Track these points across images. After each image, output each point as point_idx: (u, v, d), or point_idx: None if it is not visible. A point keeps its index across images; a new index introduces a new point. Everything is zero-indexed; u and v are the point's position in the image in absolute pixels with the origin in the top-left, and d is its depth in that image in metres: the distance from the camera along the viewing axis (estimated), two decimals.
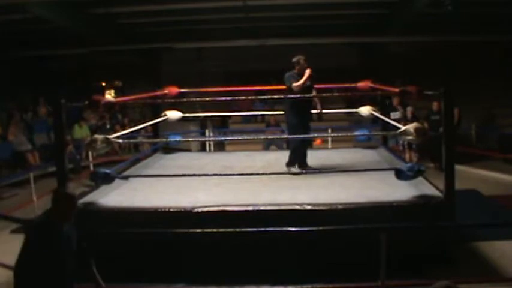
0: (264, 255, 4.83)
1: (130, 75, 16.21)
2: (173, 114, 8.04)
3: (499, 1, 11.30)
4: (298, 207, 5.03)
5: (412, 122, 8.04)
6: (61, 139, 5.35)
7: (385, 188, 5.53)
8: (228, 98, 10.85)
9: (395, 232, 4.67)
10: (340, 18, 13.56)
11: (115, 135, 6.18)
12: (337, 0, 11.88)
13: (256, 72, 13.95)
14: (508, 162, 10.72)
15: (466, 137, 12.52)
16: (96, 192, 5.79)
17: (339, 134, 11.66)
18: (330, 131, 11.55)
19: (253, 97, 11.52)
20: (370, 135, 12.31)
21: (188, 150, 11.45)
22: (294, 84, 6.24)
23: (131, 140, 9.80)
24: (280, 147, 10.88)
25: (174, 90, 8.18)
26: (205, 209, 5.06)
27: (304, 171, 6.50)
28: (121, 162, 8.59)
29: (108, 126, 13.61)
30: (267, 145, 11.73)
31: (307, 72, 6.32)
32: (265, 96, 9.77)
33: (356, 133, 11.29)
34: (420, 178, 5.57)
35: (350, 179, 6.01)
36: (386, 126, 8.14)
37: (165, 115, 7.92)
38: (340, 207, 5.03)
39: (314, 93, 6.62)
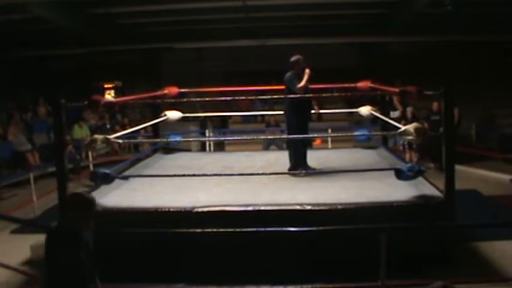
0: (264, 255, 4.83)
1: (131, 75, 16.21)
2: (173, 115, 8.04)
3: (499, 1, 11.30)
4: (298, 207, 5.03)
5: (412, 122, 8.04)
6: (61, 139, 5.35)
7: (385, 188, 5.53)
8: (228, 98, 10.86)
9: (395, 232, 4.67)
10: (340, 18, 13.56)
11: (115, 135, 6.18)
12: (337, 0, 11.88)
13: (256, 72, 13.97)
14: (508, 162, 10.72)
15: (466, 137, 12.52)
16: (96, 192, 5.78)
17: (339, 134, 11.66)
18: (330, 131, 11.56)
19: (253, 97, 11.52)
20: (370, 135, 12.30)
21: (188, 150, 11.45)
22: (298, 86, 6.23)
23: (131, 140, 9.81)
24: (280, 147, 10.87)
25: (174, 90, 8.18)
26: (205, 209, 5.06)
27: (304, 171, 6.50)
28: (121, 162, 8.59)
29: (108, 126, 13.62)
30: (267, 145, 11.73)
31: (307, 72, 6.32)
32: (265, 97, 9.77)
33: (356, 133, 11.29)
34: (420, 178, 5.57)
35: (350, 179, 6.01)
36: (386, 126, 8.14)
37: (165, 115, 7.92)
38: (340, 207, 5.02)
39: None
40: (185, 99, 9.26)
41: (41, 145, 12.40)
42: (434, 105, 11.00)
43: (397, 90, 6.54)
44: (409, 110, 11.54)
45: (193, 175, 6.09)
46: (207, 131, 13.17)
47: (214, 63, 16.18)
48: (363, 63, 15.07)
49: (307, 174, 6.42)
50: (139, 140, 11.57)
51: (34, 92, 14.75)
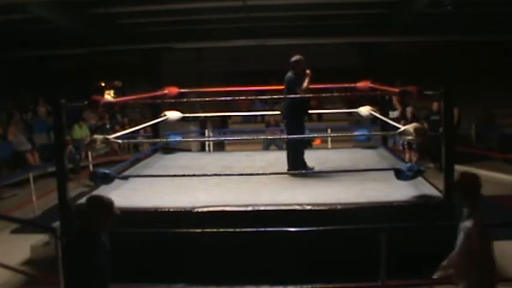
0: (264, 255, 4.83)
1: (131, 75, 16.20)
2: (173, 115, 8.04)
3: (499, 1, 11.30)
4: (298, 207, 5.03)
5: (411, 122, 8.04)
6: (61, 139, 5.34)
7: (385, 188, 5.53)
8: (228, 98, 10.85)
9: (395, 232, 4.66)
10: (341, 18, 13.56)
11: (115, 135, 6.18)
12: (337, 0, 11.88)
13: (256, 72, 13.96)
14: (508, 162, 10.72)
15: (466, 137, 12.52)
16: (96, 192, 5.78)
17: (339, 134, 11.66)
18: (329, 131, 11.56)
19: (253, 97, 11.52)
20: (369, 135, 12.31)
21: (188, 150, 11.45)
22: (303, 88, 6.26)
23: (131, 140, 9.80)
24: (280, 147, 10.87)
25: (174, 90, 8.18)
26: (205, 209, 5.06)
27: (304, 171, 6.50)
28: (121, 162, 8.59)
29: (108, 126, 13.62)
30: (267, 145, 11.73)
31: (309, 73, 6.33)
32: (265, 97, 9.77)
33: (356, 133, 11.29)
34: (420, 178, 5.57)
35: (350, 179, 6.01)
36: (386, 126, 8.14)
37: (165, 115, 7.92)
38: (340, 207, 5.03)
39: None
40: (185, 99, 9.26)
41: (41, 145, 12.41)
42: (434, 105, 11.01)
43: (397, 90, 6.55)
44: (409, 110, 11.54)
45: (193, 175, 6.09)
46: (207, 131, 13.17)
47: (214, 63, 16.17)
48: (363, 63, 15.07)
49: (307, 174, 6.42)
50: (139, 140, 11.57)
51: (34, 92, 14.76)
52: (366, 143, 10.77)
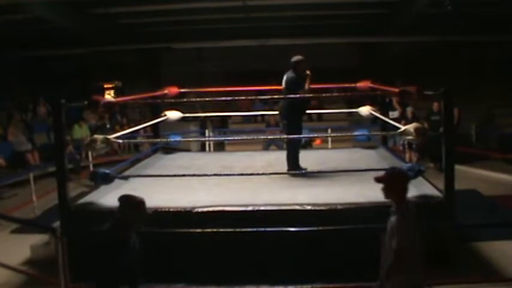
0: (264, 255, 4.83)
1: (131, 75, 16.21)
2: (173, 115, 8.03)
3: (499, 1, 11.30)
4: (298, 207, 5.03)
5: (412, 122, 8.04)
6: (61, 139, 5.34)
7: None
8: (228, 98, 10.85)
9: None
10: (341, 18, 13.57)
11: (115, 135, 6.18)
12: (337, 0, 11.88)
13: (256, 72, 13.96)
14: (508, 162, 10.72)
15: (466, 137, 12.52)
16: (96, 192, 5.79)
17: (339, 134, 11.66)
18: (329, 131, 11.56)
19: (253, 97, 11.52)
20: (369, 135, 12.30)
21: (188, 150, 11.45)
22: (306, 89, 6.27)
23: (131, 140, 9.80)
24: (280, 147, 10.87)
25: (173, 90, 8.17)
26: (205, 209, 5.05)
27: (304, 171, 6.51)
28: (121, 162, 8.59)
29: (108, 126, 13.62)
30: (267, 145, 11.73)
31: (309, 74, 6.34)
32: (265, 97, 9.76)
33: (356, 133, 11.29)
34: (420, 178, 5.56)
35: (350, 179, 6.01)
36: (386, 126, 8.14)
37: (165, 115, 7.92)
38: (340, 207, 5.02)
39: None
40: (185, 99, 9.26)
41: (41, 145, 12.41)
42: (434, 105, 11.01)
43: (397, 90, 6.55)
44: (409, 110, 11.54)
45: (193, 175, 6.09)
46: (207, 131, 13.17)
47: (214, 63, 16.18)
48: (363, 63, 15.07)
49: (307, 174, 6.42)
50: (139, 140, 11.57)
51: (34, 92, 14.76)
52: (366, 143, 10.77)
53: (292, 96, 6.32)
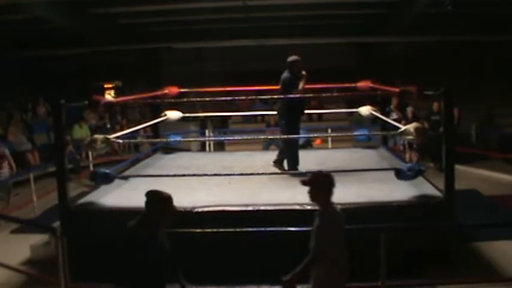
0: (264, 255, 4.83)
1: (130, 75, 16.21)
2: (173, 114, 8.03)
3: (499, 1, 11.30)
4: (298, 207, 5.03)
5: (412, 122, 8.04)
6: (61, 139, 5.34)
7: (385, 188, 5.53)
8: (228, 98, 10.85)
9: (395, 232, 4.66)
10: (340, 18, 13.57)
11: (115, 135, 6.18)
12: (337, 0, 11.88)
13: (256, 72, 13.95)
14: (508, 162, 10.72)
15: (466, 137, 12.51)
16: (96, 192, 5.79)
17: (339, 134, 11.66)
18: (329, 131, 11.56)
19: (253, 97, 11.52)
20: (370, 135, 12.30)
21: (188, 150, 11.44)
22: (300, 89, 6.29)
23: (131, 140, 9.80)
24: (280, 147, 10.87)
25: (174, 90, 8.18)
26: (205, 209, 5.05)
27: (304, 171, 6.51)
28: (121, 162, 8.59)
29: (108, 126, 13.62)
30: (267, 145, 11.73)
31: (304, 74, 6.36)
32: (265, 97, 9.77)
33: (356, 133, 11.29)
34: (420, 178, 5.57)
35: (350, 179, 6.00)
36: (386, 126, 8.14)
37: (165, 115, 7.92)
38: (340, 207, 4.99)
39: None
40: (185, 99, 9.25)
41: (41, 145, 12.41)
42: (434, 105, 11.00)
43: (397, 90, 6.55)
44: (409, 110, 11.52)
45: (194, 175, 6.09)
46: (207, 131, 13.17)
47: (214, 63, 16.18)
48: (363, 63, 15.07)
49: (307, 174, 6.41)
50: (139, 140, 11.57)
51: (34, 92, 14.76)
52: (366, 143, 10.77)
53: (292, 96, 6.33)
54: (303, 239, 4.80)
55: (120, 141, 6.11)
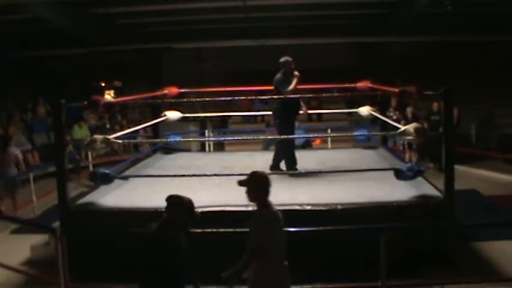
0: None
1: (130, 76, 16.21)
2: (173, 115, 8.03)
3: (499, 1, 11.30)
4: (298, 207, 5.03)
5: (412, 122, 8.04)
6: (61, 139, 5.34)
7: (385, 188, 5.53)
8: (228, 98, 10.85)
9: (395, 232, 4.66)
10: (340, 18, 13.57)
11: (115, 135, 6.18)
12: (337, 0, 11.88)
13: (256, 72, 13.94)
14: (508, 162, 10.72)
15: (466, 137, 12.51)
16: (96, 192, 5.79)
17: (339, 134, 11.65)
18: (329, 131, 11.56)
19: (253, 97, 11.52)
20: (369, 135, 12.30)
21: (188, 150, 11.44)
22: (288, 90, 6.33)
23: (131, 140, 9.80)
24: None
25: (173, 90, 8.18)
26: (205, 209, 5.05)
27: (304, 171, 6.51)
28: (121, 162, 8.59)
29: (108, 127, 13.62)
30: (267, 145, 11.72)
31: (297, 76, 6.38)
32: (265, 97, 9.76)
33: (356, 133, 11.29)
34: (420, 178, 5.57)
35: (350, 179, 6.01)
36: (386, 126, 8.14)
37: (165, 115, 7.92)
38: (340, 207, 5.02)
39: None
40: (185, 99, 9.26)
41: (41, 145, 12.40)
42: (434, 105, 10.99)
43: (396, 90, 6.55)
44: (408, 110, 11.52)
45: (193, 175, 6.09)
46: (206, 131, 13.17)
47: (214, 63, 16.18)
48: (363, 63, 15.07)
49: (307, 174, 6.43)
50: (139, 140, 11.57)
51: (34, 92, 14.75)
52: (366, 143, 10.77)
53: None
54: (303, 239, 4.82)
55: (120, 141, 6.10)
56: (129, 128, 8.47)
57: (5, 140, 9.37)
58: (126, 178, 6.32)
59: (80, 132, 12.83)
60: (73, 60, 15.68)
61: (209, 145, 12.32)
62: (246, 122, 14.48)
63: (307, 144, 11.84)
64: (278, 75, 6.52)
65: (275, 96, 6.50)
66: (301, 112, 6.87)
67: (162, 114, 7.93)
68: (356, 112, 8.87)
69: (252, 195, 3.54)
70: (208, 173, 6.30)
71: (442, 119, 5.35)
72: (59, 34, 13.41)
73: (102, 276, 4.75)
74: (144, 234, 3.27)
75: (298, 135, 6.74)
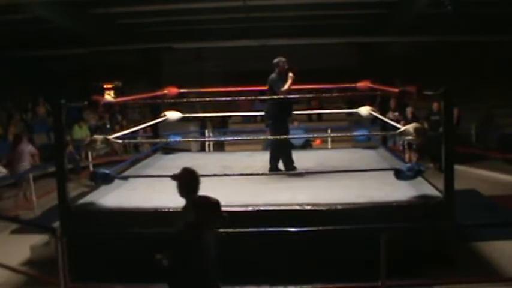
0: (264, 255, 4.83)
1: (130, 76, 16.21)
2: (172, 115, 8.03)
3: (499, 1, 11.30)
4: (298, 207, 5.03)
5: (412, 122, 8.04)
6: (61, 139, 5.34)
7: (385, 188, 5.53)
8: (228, 98, 10.85)
9: (395, 232, 4.66)
10: (340, 18, 13.57)
11: (115, 135, 6.18)
12: (337, 0, 11.88)
13: (256, 72, 13.91)
14: (508, 162, 10.72)
15: (466, 137, 12.52)
16: (96, 192, 5.79)
17: (339, 134, 11.65)
18: (329, 131, 11.56)
19: (253, 97, 11.52)
20: (369, 135, 12.30)
21: (188, 150, 11.44)
22: (282, 90, 6.34)
23: (131, 140, 9.81)
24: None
25: (173, 90, 8.17)
26: None
27: (303, 171, 6.51)
28: (121, 162, 8.59)
29: (108, 127, 13.61)
30: (267, 145, 11.70)
31: (291, 76, 6.39)
32: (265, 97, 9.75)
33: (355, 133, 11.29)
34: (420, 178, 5.57)
35: (350, 179, 6.00)
36: (386, 126, 8.14)
37: (165, 115, 7.91)
38: (340, 207, 5.02)
39: None
40: (185, 99, 9.25)
41: (41, 145, 12.39)
42: (434, 105, 10.99)
43: (396, 90, 6.55)
44: (408, 110, 11.52)
45: None
46: (206, 131, 13.17)
47: (214, 63, 16.18)
48: (363, 63, 15.07)
49: (307, 174, 6.43)
50: (139, 140, 11.57)
51: (34, 92, 14.76)
52: (366, 143, 10.77)
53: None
54: (303, 239, 4.82)
55: (120, 141, 6.10)
56: (129, 128, 8.48)
57: (17, 139, 9.46)
58: (126, 178, 6.32)
59: (80, 132, 12.83)
60: (73, 60, 15.68)
61: (209, 145, 12.33)
62: (246, 122, 14.48)
63: (307, 145, 11.84)
64: (272, 75, 6.55)
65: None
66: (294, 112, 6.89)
67: (162, 115, 7.92)
68: (356, 112, 8.87)
69: (181, 191, 3.63)
70: (208, 173, 6.30)
71: (442, 119, 5.35)
72: (59, 34, 13.40)
73: (102, 276, 4.75)
74: (171, 234, 3.31)
75: (298, 135, 6.74)
